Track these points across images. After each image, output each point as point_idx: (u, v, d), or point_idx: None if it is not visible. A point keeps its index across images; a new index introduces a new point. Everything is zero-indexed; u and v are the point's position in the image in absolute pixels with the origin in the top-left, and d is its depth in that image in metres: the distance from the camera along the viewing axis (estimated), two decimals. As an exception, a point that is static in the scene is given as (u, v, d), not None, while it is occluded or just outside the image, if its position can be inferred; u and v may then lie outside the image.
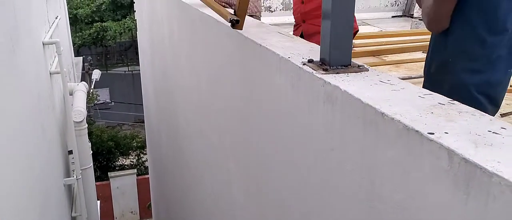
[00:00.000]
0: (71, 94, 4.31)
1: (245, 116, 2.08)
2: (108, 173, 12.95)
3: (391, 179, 1.06)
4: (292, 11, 3.40)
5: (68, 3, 11.19)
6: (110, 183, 12.80)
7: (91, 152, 4.92)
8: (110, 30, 19.41)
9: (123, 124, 19.84)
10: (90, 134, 8.62)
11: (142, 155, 14.61)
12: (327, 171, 1.35)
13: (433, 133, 0.94)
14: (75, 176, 4.04)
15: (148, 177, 10.81)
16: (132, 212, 13.39)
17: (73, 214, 4.16)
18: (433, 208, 0.94)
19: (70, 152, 4.26)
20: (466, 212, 0.85)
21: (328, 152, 1.32)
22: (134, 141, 14.84)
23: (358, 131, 1.16)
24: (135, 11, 7.99)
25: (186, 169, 4.06)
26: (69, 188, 4.29)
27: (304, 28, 3.15)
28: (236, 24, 1.80)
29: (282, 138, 1.65)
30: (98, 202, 6.38)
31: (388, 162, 1.06)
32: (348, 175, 1.23)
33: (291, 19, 3.49)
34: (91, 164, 4.34)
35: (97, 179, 12.16)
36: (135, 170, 13.45)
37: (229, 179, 2.58)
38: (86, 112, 4.31)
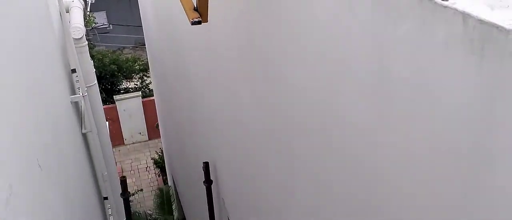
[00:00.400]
0: (67, 11, 4.21)
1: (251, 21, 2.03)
2: (114, 96, 13.08)
3: (401, 56, 1.04)
4: None
5: None
6: (116, 106, 13.00)
7: (94, 70, 4.91)
8: None
9: (124, 47, 19.66)
10: (91, 58, 8.59)
11: (145, 78, 14.66)
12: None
13: (447, 0, 0.90)
14: (80, 93, 4.07)
15: (154, 99, 10.95)
16: (140, 133, 13.74)
17: (83, 131, 4.25)
18: (445, 80, 0.93)
19: (74, 70, 4.25)
20: (480, 76, 0.84)
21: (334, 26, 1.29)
22: (136, 64, 14.82)
23: (367, 7, 1.12)
24: None
25: (193, 85, 4.07)
26: (76, 106, 4.35)
27: None
28: (198, 23, 1.80)
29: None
30: (107, 123, 6.51)
31: (399, 38, 1.03)
32: (357, 51, 1.21)
33: None
34: (95, 81, 4.35)
35: (103, 102, 12.33)
36: (140, 93, 13.57)
37: (237, 92, 2.59)
38: (85, 29, 4.23)
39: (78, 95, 4.10)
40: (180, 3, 1.99)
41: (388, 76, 1.10)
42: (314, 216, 1.81)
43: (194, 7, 1.89)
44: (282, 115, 1.90)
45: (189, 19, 1.84)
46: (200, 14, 1.84)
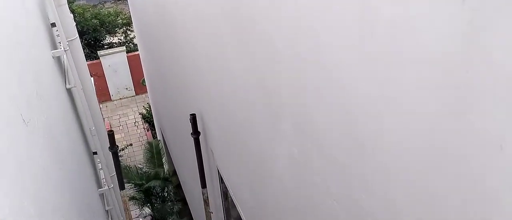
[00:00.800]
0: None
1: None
2: (98, 51, 12.84)
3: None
4: None
5: None
6: (101, 62, 12.79)
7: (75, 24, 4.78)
8: None
9: (105, 1, 19.08)
10: (71, 12, 8.32)
11: (129, 32, 14.35)
12: None
13: None
14: (62, 48, 3.98)
15: (138, 54, 10.77)
16: (127, 88, 13.63)
17: (68, 86, 4.19)
18: (429, 16, 0.92)
19: (53, 25, 4.13)
20: (462, 12, 0.83)
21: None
22: (119, 18, 14.44)
23: None
24: None
25: (177, 37, 3.99)
26: (59, 62, 4.26)
27: None
28: None
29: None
30: (92, 78, 6.42)
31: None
32: None
33: None
34: (77, 36, 4.24)
35: (88, 58, 12.10)
36: (124, 48, 13.33)
37: (223, 42, 2.55)
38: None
39: (60, 49, 4.01)
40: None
41: (372, 14, 1.09)
42: (301, 164, 1.85)
43: None
44: (268, 64, 1.89)
45: None
46: None
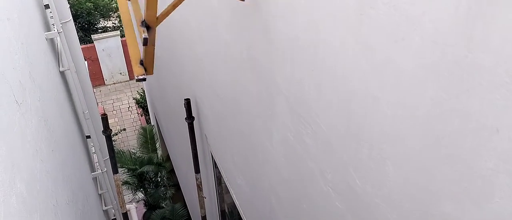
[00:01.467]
0: None
1: None
2: (92, 35, 12.73)
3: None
4: None
5: None
6: (95, 45, 12.67)
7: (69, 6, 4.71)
8: None
9: (100, -16, 18.80)
10: (65, -7, 8.22)
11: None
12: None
13: None
14: (55, 30, 3.93)
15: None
16: (121, 73, 13.54)
17: (61, 69, 4.15)
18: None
19: (47, 6, 4.07)
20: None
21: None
22: (113, 1, 14.28)
23: None
24: None
25: (172, 23, 3.95)
26: (52, 44, 4.21)
27: None
28: (143, 80, 1.87)
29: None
30: (86, 62, 6.36)
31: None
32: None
33: None
34: (71, 18, 4.18)
35: (82, 41, 11.98)
36: (118, 32, 13.20)
37: (217, 26, 2.52)
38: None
39: (53, 31, 3.96)
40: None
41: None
42: (296, 150, 1.84)
43: (141, 60, 1.92)
44: (262, 48, 1.87)
45: (135, 75, 1.90)
46: (146, 68, 1.89)
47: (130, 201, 8.37)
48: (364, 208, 1.39)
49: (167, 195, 8.17)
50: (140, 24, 1.79)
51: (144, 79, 1.88)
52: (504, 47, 0.75)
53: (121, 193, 4.83)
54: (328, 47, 1.33)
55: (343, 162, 1.46)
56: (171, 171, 8.50)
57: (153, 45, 1.83)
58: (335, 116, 1.43)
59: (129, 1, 2.27)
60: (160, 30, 4.73)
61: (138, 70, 1.90)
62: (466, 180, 0.89)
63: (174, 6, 1.86)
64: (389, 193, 1.23)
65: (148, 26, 1.74)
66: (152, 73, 1.95)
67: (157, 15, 1.75)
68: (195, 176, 4.17)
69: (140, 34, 1.80)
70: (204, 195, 4.35)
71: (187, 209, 7.44)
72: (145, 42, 1.75)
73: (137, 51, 2.01)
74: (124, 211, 4.96)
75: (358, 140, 1.32)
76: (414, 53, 0.97)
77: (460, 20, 0.83)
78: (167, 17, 1.86)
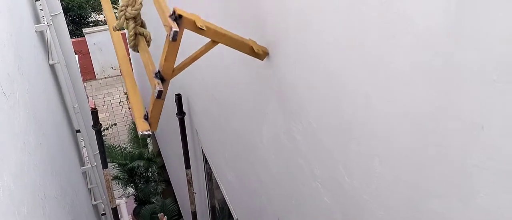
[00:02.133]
0: None
1: None
2: (83, 29, 12.61)
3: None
4: None
5: None
6: (86, 39, 12.56)
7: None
8: None
9: (91, -23, 18.63)
10: (56, -14, 8.14)
11: (115, 11, 14.08)
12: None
13: None
14: (45, 22, 3.88)
15: (124, 32, 10.57)
16: (112, 67, 13.44)
17: (51, 62, 4.11)
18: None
19: (37, -2, 4.02)
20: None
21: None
22: (105, -5, 14.14)
23: None
24: None
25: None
26: (42, 37, 4.16)
27: None
28: (149, 136, 1.74)
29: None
30: (76, 56, 6.30)
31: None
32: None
33: None
34: (61, 10, 4.13)
35: (73, 35, 11.88)
36: (110, 26, 13.10)
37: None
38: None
39: (43, 24, 3.91)
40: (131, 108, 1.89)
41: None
42: (286, 146, 1.85)
43: (145, 115, 1.78)
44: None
45: (138, 131, 1.75)
46: (150, 123, 1.75)
47: (121, 196, 8.34)
48: (352, 204, 1.40)
49: (158, 190, 8.15)
50: (152, 75, 1.66)
51: (149, 135, 1.75)
52: (492, 45, 0.75)
53: (110, 188, 4.80)
54: (320, 43, 1.33)
55: (333, 159, 1.46)
56: (162, 167, 8.48)
57: (164, 99, 1.70)
58: (326, 113, 1.43)
59: (136, 52, 2.13)
60: (152, 24, 4.69)
61: (142, 125, 1.75)
62: (453, 177, 0.90)
63: (193, 59, 1.72)
64: (377, 190, 1.24)
65: (163, 78, 1.62)
66: (156, 129, 1.80)
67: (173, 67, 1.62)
68: (186, 171, 4.16)
69: (151, 85, 1.65)
70: (194, 190, 4.34)
71: (178, 204, 7.43)
72: (159, 95, 1.63)
73: (139, 103, 1.88)
74: (114, 206, 4.94)
75: (349, 137, 1.33)
76: (406, 51, 0.98)
77: (450, 18, 0.83)
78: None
